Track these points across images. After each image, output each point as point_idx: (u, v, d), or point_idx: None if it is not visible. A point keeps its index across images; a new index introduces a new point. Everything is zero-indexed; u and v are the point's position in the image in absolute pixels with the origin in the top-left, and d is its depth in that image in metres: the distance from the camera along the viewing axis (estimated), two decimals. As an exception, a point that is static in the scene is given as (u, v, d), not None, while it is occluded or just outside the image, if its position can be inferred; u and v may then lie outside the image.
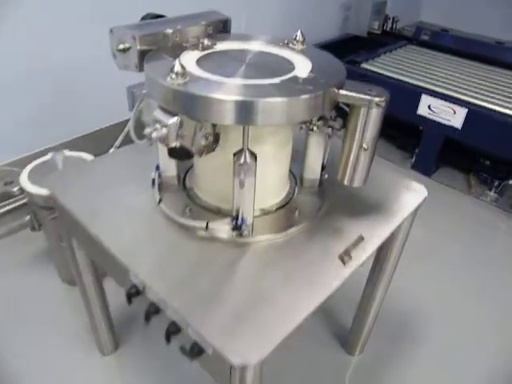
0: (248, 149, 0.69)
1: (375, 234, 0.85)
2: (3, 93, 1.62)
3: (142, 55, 0.77)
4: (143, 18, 0.89)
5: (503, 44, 2.95)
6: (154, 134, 0.65)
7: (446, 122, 2.12)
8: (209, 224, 0.78)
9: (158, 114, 0.67)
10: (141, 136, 0.72)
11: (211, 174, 0.84)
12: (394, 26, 3.19)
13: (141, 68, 0.78)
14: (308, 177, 0.92)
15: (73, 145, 1.82)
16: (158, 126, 0.66)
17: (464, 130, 2.08)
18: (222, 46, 0.84)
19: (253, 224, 0.78)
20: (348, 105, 0.74)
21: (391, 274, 1.10)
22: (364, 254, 0.80)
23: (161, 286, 0.71)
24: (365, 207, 0.92)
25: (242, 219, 0.75)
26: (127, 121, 0.85)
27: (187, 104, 0.65)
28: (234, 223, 0.76)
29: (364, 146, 0.75)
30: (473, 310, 1.56)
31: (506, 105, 2.08)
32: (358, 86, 0.72)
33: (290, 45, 0.85)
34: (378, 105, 0.70)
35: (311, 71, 0.74)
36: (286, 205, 0.88)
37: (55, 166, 1.42)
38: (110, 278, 0.91)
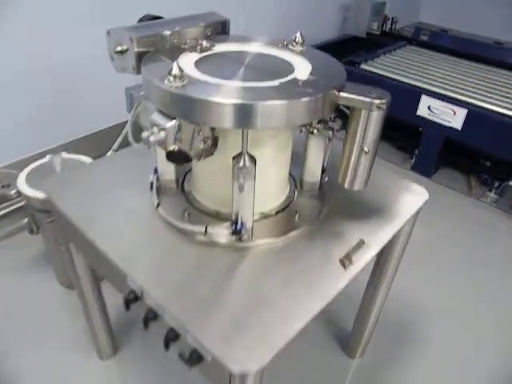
0: (247, 152, 0.68)
1: (376, 238, 0.84)
2: (2, 93, 1.61)
3: (140, 57, 0.76)
4: (141, 20, 0.88)
5: (502, 44, 2.94)
6: (152, 138, 0.64)
7: (446, 123, 2.12)
8: (208, 228, 0.77)
9: (156, 118, 0.66)
10: (139, 139, 0.71)
11: (210, 178, 0.83)
12: (393, 27, 3.18)
13: (138, 70, 0.77)
14: (308, 180, 0.91)
15: (73, 146, 1.82)
16: (155, 129, 0.65)
17: (464, 131, 2.07)
18: (220, 47, 0.83)
19: (252, 228, 0.77)
20: (348, 107, 0.73)
21: (392, 277, 1.09)
22: (365, 259, 0.79)
23: (159, 292, 0.70)
24: (365, 210, 0.91)
25: (242, 223, 0.74)
26: (127, 122, 0.84)
27: (185, 107, 0.64)
28: (233, 228, 0.75)
29: (365, 148, 0.74)
30: (473, 312, 1.55)
31: (506, 105, 2.07)
32: (359, 88, 0.71)
33: (290, 46, 0.84)
34: (378, 107, 0.69)
35: (311, 73, 0.73)
36: (286, 208, 0.87)
37: (53, 168, 1.41)
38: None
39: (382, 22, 3.06)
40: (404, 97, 2.18)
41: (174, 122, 0.65)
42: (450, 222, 1.99)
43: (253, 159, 0.69)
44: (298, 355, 1.26)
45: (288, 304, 0.69)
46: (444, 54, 2.73)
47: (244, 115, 0.63)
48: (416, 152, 2.34)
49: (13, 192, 1.37)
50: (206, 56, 0.79)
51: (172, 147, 0.67)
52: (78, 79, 1.78)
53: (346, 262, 0.77)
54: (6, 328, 1.36)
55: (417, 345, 1.41)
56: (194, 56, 0.78)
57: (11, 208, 1.62)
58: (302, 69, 0.76)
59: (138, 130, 0.83)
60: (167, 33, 0.79)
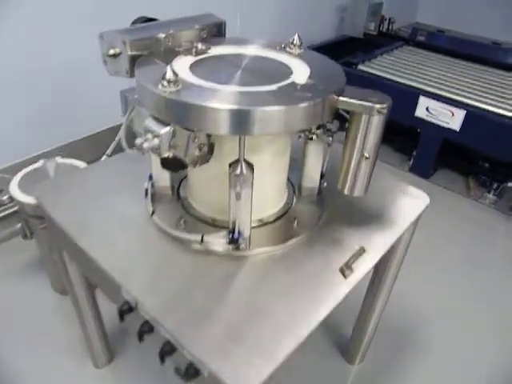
0: (244, 159, 0.66)
1: (377, 245, 0.82)
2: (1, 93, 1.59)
3: (133, 61, 0.74)
4: (134, 22, 0.85)
5: (500, 45, 2.93)
6: (146, 145, 0.62)
7: (444, 125, 2.10)
8: (204, 237, 0.74)
9: (150, 124, 0.64)
10: (133, 144, 0.69)
11: (206, 185, 0.80)
12: (390, 27, 3.16)
13: (132, 74, 0.75)
14: (306, 185, 0.89)
15: (70, 148, 1.81)
16: (149, 136, 0.63)
17: (462, 133, 2.06)
18: (216, 50, 0.81)
19: (250, 236, 0.75)
20: (347, 111, 0.71)
21: (391, 284, 1.07)
22: (365, 267, 0.77)
23: (154, 304, 0.68)
24: (365, 216, 0.89)
25: (239, 232, 0.72)
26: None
27: (180, 113, 0.62)
28: (230, 236, 0.73)
29: (365, 154, 0.72)
30: (472, 314, 1.54)
31: (505, 106, 2.06)
32: (359, 92, 0.69)
33: (287, 49, 0.82)
34: (379, 112, 0.67)
35: (310, 77, 0.71)
36: (285, 215, 0.85)
37: (46, 173, 1.38)
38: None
39: (378, 23, 3.04)
40: (402, 98, 2.15)
41: (168, 128, 0.63)
42: (448, 223, 1.98)
43: (250, 166, 0.67)
44: (296, 361, 1.23)
45: (287, 316, 0.67)
46: (441, 54, 2.72)
47: (241, 121, 0.61)
48: (414, 153, 2.32)
49: (5, 197, 1.34)
50: (201, 59, 0.77)
51: (166, 154, 0.65)
52: (76, 80, 1.76)
53: (346, 270, 0.75)
54: (-1, 333, 1.34)
55: (416, 350, 1.39)
56: (189, 59, 0.76)
57: (4, 213, 1.60)
58: (300, 72, 0.74)
59: (132, 135, 0.81)
60: (161, 35, 0.77)
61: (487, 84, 2.32)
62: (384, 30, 3.13)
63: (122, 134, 0.81)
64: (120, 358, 1.29)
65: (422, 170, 2.29)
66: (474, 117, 2.02)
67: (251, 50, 0.82)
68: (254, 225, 0.78)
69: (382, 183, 0.98)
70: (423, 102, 2.14)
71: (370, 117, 0.68)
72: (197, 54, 0.78)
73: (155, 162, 0.82)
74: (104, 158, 1.01)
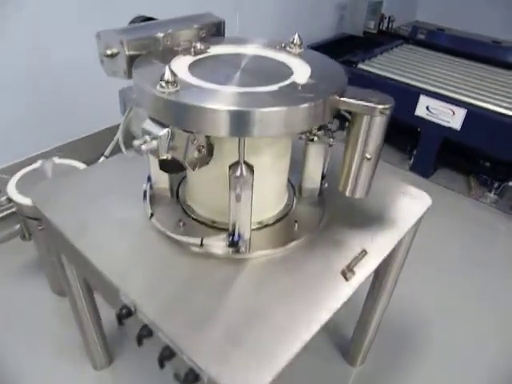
0: (244, 161, 0.65)
1: (378, 247, 0.81)
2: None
3: (131, 61, 0.72)
4: (132, 22, 0.84)
5: (500, 43, 2.92)
6: (144, 147, 0.61)
7: (445, 124, 2.09)
8: (203, 240, 0.73)
9: (148, 126, 0.63)
10: (131, 145, 0.67)
11: (205, 187, 0.79)
12: (389, 26, 3.15)
13: (130, 75, 0.73)
14: (307, 186, 0.88)
15: (69, 148, 1.80)
16: (147, 137, 0.62)
17: (463, 132, 2.05)
18: (215, 50, 0.80)
19: (250, 239, 0.74)
20: (349, 111, 0.70)
21: (392, 286, 1.06)
22: (367, 270, 0.76)
23: (152, 308, 0.67)
24: (367, 218, 0.88)
25: (239, 235, 0.71)
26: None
27: (178, 114, 0.61)
28: (230, 239, 0.72)
29: (367, 155, 0.71)
30: (473, 313, 1.53)
31: (506, 105, 2.04)
32: (361, 93, 0.68)
33: (287, 48, 0.81)
34: (381, 113, 0.66)
35: (310, 77, 0.70)
36: (285, 217, 0.84)
37: (44, 173, 1.37)
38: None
39: (378, 21, 3.02)
40: (402, 97, 2.13)
41: (166, 130, 0.62)
42: (449, 222, 1.97)
43: (250, 168, 0.66)
44: (297, 362, 1.23)
45: (288, 320, 0.66)
46: (441, 53, 2.70)
47: (240, 123, 0.59)
48: (414, 152, 2.31)
49: (3, 198, 1.33)
50: (200, 59, 0.76)
51: (165, 156, 0.64)
52: (74, 80, 1.75)
53: (347, 273, 0.73)
54: (-2, 335, 1.33)
55: (418, 351, 1.38)
56: (188, 59, 0.75)
57: (3, 214, 1.59)
58: (301, 72, 0.72)
59: (130, 136, 0.79)
60: (160, 35, 0.76)
61: (488, 83, 2.30)
62: (384, 28, 3.11)
63: (119, 135, 0.80)
64: (119, 360, 1.28)
65: (423, 169, 2.28)
66: (475, 116, 2.01)
67: (251, 50, 0.81)
68: (253, 227, 0.77)
69: (383, 184, 0.97)
70: (423, 100, 2.13)
71: (372, 117, 0.67)
72: (196, 53, 0.77)
73: (153, 163, 0.81)
74: (102, 159, 1.00)
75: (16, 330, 1.36)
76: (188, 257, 0.75)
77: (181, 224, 0.79)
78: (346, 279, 0.73)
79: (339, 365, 1.33)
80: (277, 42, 0.83)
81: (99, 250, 0.77)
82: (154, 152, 0.63)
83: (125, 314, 0.70)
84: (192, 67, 0.72)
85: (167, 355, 0.65)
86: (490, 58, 2.60)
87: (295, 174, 0.89)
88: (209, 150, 0.65)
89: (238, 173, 0.65)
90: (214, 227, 0.79)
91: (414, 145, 2.30)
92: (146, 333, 0.67)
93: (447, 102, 2.06)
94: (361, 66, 2.45)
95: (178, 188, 0.89)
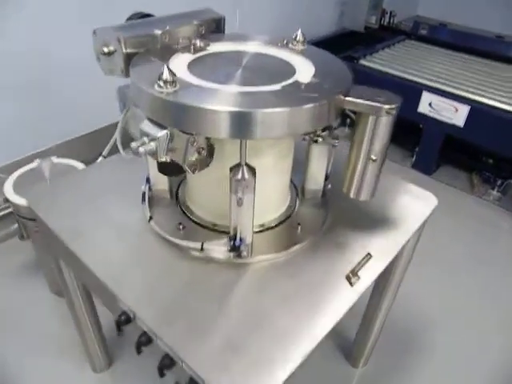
0: (246, 163, 0.63)
1: (384, 250, 0.78)
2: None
3: (129, 59, 0.70)
4: (130, 18, 0.82)
5: (503, 38, 2.88)
6: (142, 149, 0.59)
7: (448, 120, 2.07)
8: (204, 245, 0.71)
9: (146, 127, 0.60)
10: (129, 146, 0.65)
11: (205, 189, 0.77)
12: (391, 21, 3.11)
13: (127, 73, 0.71)
14: (310, 188, 0.86)
15: (68, 146, 1.78)
16: (145, 139, 0.60)
17: (466, 128, 2.02)
18: (215, 47, 0.77)
19: (252, 243, 0.72)
20: (353, 111, 0.67)
21: (396, 288, 1.04)
22: (372, 274, 0.73)
23: (151, 315, 0.65)
24: (371, 219, 0.86)
25: (241, 239, 0.69)
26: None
27: (177, 115, 0.59)
28: (231, 244, 0.69)
29: (372, 156, 0.68)
30: (476, 311, 1.52)
31: (510, 102, 2.02)
32: (366, 92, 0.65)
33: (290, 45, 0.78)
34: (388, 112, 0.64)
35: (314, 75, 0.67)
36: (288, 219, 0.81)
37: (42, 173, 1.35)
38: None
39: (380, 16, 2.99)
40: (405, 93, 2.10)
41: (165, 131, 0.59)
42: (451, 220, 1.95)
43: (252, 170, 0.63)
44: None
45: (290, 327, 0.64)
46: (444, 48, 2.67)
47: (242, 124, 0.57)
48: (417, 149, 2.29)
49: (0, 199, 1.30)
50: (199, 57, 0.73)
51: (164, 158, 0.61)
52: (72, 78, 1.72)
53: (352, 278, 0.71)
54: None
55: (421, 352, 1.37)
56: (187, 57, 0.73)
57: (0, 214, 1.57)
58: (304, 70, 0.70)
59: (128, 136, 0.77)
60: (158, 32, 0.73)
61: (491, 78, 2.27)
62: (385, 23, 3.08)
63: (117, 135, 0.78)
64: (119, 363, 1.27)
65: (425, 167, 2.26)
66: (479, 112, 1.98)
67: (252, 47, 0.79)
68: (255, 230, 0.75)
69: (387, 184, 0.94)
70: (426, 97, 2.10)
71: (378, 118, 0.64)
72: (195, 51, 0.74)
73: (152, 164, 0.78)
74: (100, 159, 0.98)
75: (14, 330, 1.34)
76: (188, 261, 0.73)
77: (180, 227, 0.77)
78: (351, 284, 0.71)
79: (342, 366, 1.31)
80: (279, 38, 0.80)
81: (96, 254, 0.75)
82: (153, 154, 0.60)
83: (124, 320, 0.68)
84: (191, 65, 0.69)
85: (167, 364, 0.63)
86: (493, 53, 2.57)
87: (298, 175, 0.86)
88: (209, 152, 0.63)
89: (240, 176, 0.62)
90: (215, 230, 0.77)
91: (416, 142, 2.28)
92: (145, 340, 0.65)
93: (450, 98, 2.04)
94: (362, 61, 2.42)
95: (178, 189, 0.86)
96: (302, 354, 0.61)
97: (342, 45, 2.62)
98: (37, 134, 1.71)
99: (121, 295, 0.67)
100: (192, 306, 0.67)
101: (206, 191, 0.77)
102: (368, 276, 0.73)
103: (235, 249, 0.70)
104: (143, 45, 0.73)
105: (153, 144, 0.59)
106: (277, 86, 0.63)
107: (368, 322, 1.15)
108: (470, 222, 1.97)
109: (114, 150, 0.99)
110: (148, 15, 0.82)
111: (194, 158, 0.61)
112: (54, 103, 1.72)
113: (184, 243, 0.73)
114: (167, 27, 0.74)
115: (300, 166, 0.84)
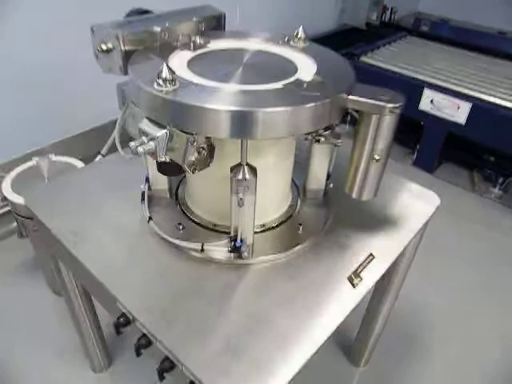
0: (247, 163, 0.62)
1: (386, 251, 0.77)
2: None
3: (127, 56, 0.69)
4: (128, 15, 0.80)
5: (505, 34, 2.86)
6: (140, 149, 0.58)
7: (450, 118, 2.05)
8: (204, 246, 0.70)
9: (145, 126, 0.59)
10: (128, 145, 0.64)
11: (206, 189, 0.76)
12: (392, 17, 3.09)
13: (126, 71, 0.69)
14: (312, 187, 0.84)
15: (68, 144, 1.77)
16: (144, 138, 0.59)
17: (468, 126, 2.01)
18: (215, 44, 0.76)
19: (253, 244, 0.71)
20: (356, 110, 0.66)
21: (398, 288, 1.03)
22: (375, 275, 0.72)
23: (150, 317, 0.64)
24: (373, 219, 0.85)
25: (241, 240, 0.68)
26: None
27: (177, 115, 0.57)
28: (232, 245, 0.68)
29: (375, 156, 0.67)
30: (477, 312, 1.51)
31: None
32: (370, 90, 0.64)
33: (291, 42, 0.77)
34: (391, 112, 0.62)
35: (316, 73, 0.66)
36: (289, 219, 0.80)
37: (40, 171, 1.34)
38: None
39: (381, 13, 2.97)
40: (406, 90, 2.09)
41: (164, 131, 0.58)
42: (452, 218, 1.93)
43: (253, 170, 0.62)
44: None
45: (293, 331, 0.63)
46: (445, 44, 2.65)
47: (243, 124, 0.56)
48: (418, 147, 2.27)
49: (-1, 197, 1.30)
50: (199, 54, 0.72)
51: (163, 158, 0.60)
52: (70, 76, 1.71)
53: (354, 279, 0.70)
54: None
55: (422, 351, 1.36)
56: (187, 54, 0.71)
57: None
58: (306, 68, 0.69)
59: (127, 134, 0.76)
60: (157, 29, 0.72)
61: (494, 75, 2.25)
62: (386, 19, 3.06)
63: (116, 134, 0.77)
64: (119, 362, 1.26)
65: (426, 164, 2.25)
66: (480, 110, 1.96)
67: (253, 44, 0.78)
68: (256, 230, 0.74)
69: (390, 183, 0.93)
70: (428, 94, 2.09)
71: (381, 117, 0.63)
72: (195, 48, 0.73)
73: (151, 163, 0.77)
74: (99, 157, 0.97)
75: (14, 329, 1.34)
76: (188, 262, 0.72)
77: (180, 227, 0.76)
78: (353, 285, 0.70)
79: (343, 365, 1.30)
80: (279, 35, 0.79)
81: (94, 255, 0.74)
82: (152, 154, 0.59)
83: (123, 322, 0.67)
84: (191, 63, 0.68)
85: (167, 367, 0.62)
86: (495, 50, 2.55)
87: (299, 174, 0.85)
88: (209, 152, 0.62)
89: (241, 176, 0.61)
90: (215, 230, 0.76)
91: (418, 139, 2.26)
92: (144, 342, 0.64)
93: (452, 95, 2.02)
94: (363, 58, 2.40)
95: (177, 189, 0.85)
96: (303, 357, 0.60)
97: (343, 41, 2.60)
98: (35, 132, 1.70)
99: (119, 297, 0.66)
100: (192, 307, 0.66)
101: (206, 191, 0.76)
102: (370, 277, 0.72)
103: (236, 250, 0.69)
104: (142, 42, 0.71)
105: (152, 143, 0.58)
106: (278, 85, 0.62)
107: (369, 322, 1.14)
108: (471, 219, 1.96)
109: (113, 149, 0.98)
110: (147, 11, 0.81)
111: (193, 158, 0.60)
112: (53, 101, 1.71)
113: (184, 244, 0.71)
114: (166, 24, 0.73)
115: (301, 165, 0.83)
